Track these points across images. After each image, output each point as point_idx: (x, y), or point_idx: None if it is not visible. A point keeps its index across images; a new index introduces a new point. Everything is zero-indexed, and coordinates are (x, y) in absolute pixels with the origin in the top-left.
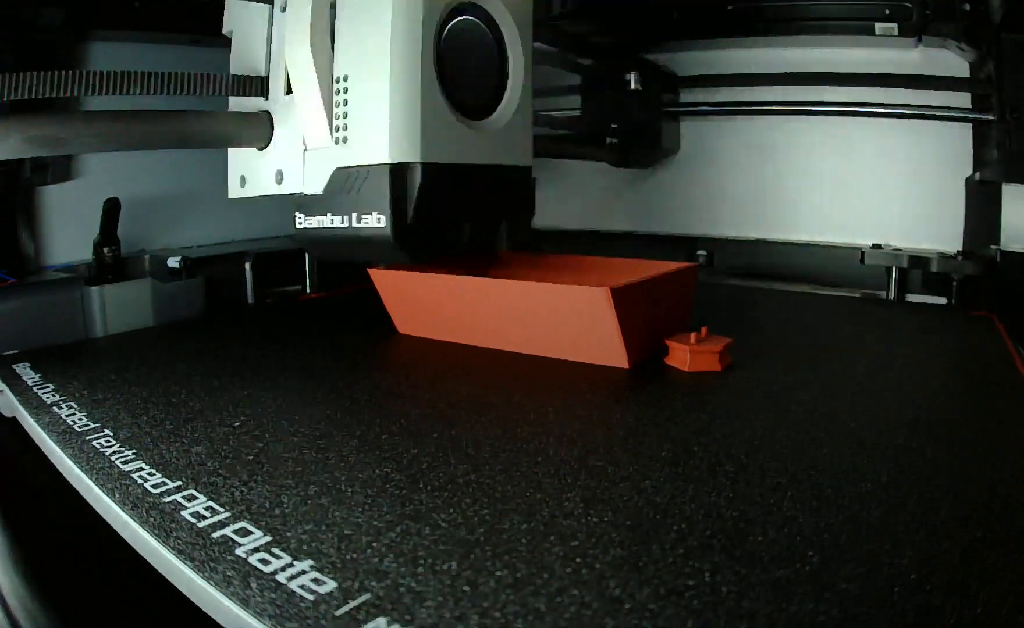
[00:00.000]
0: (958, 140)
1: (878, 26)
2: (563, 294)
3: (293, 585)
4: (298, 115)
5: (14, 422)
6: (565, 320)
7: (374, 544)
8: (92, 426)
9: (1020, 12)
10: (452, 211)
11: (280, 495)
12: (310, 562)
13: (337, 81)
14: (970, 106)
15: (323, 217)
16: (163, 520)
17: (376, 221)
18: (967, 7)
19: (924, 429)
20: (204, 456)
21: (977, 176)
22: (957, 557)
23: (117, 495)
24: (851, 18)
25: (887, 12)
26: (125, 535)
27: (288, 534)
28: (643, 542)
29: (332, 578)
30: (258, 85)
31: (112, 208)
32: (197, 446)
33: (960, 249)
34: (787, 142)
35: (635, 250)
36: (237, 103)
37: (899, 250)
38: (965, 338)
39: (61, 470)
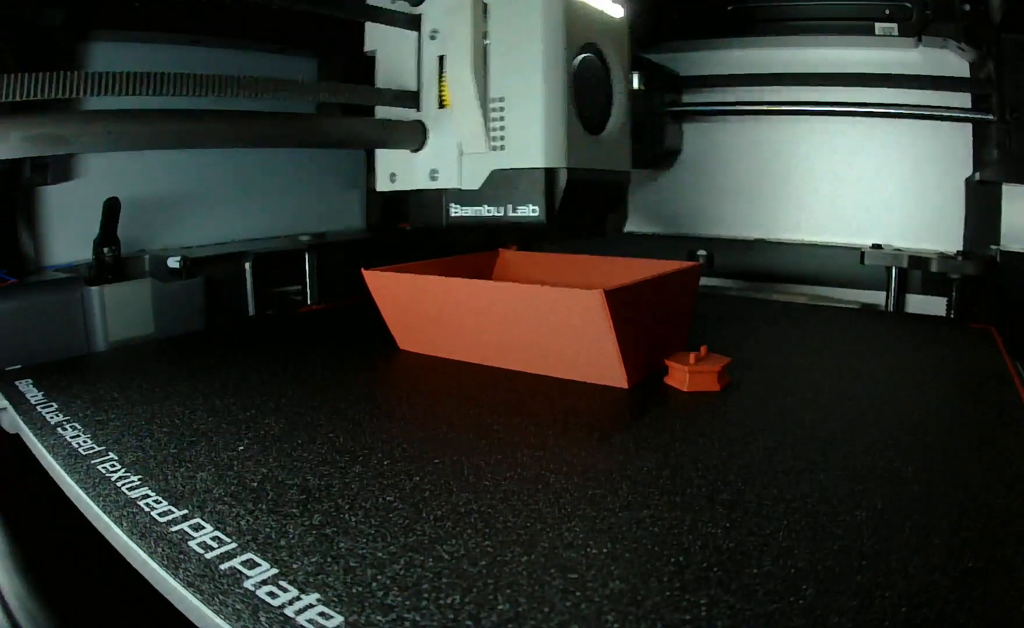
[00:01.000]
0: (958, 140)
1: (878, 26)
2: (557, 297)
3: (301, 619)
4: (456, 126)
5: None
6: (560, 327)
7: (379, 577)
8: (97, 449)
9: (1020, 12)
10: (581, 204)
11: (286, 524)
12: (317, 595)
13: (493, 101)
14: (970, 106)
15: (479, 208)
16: (171, 551)
17: (531, 210)
18: (967, 7)
19: (919, 453)
20: (209, 482)
21: (977, 176)
22: (948, 588)
23: (125, 524)
24: (851, 18)
25: (887, 12)
26: (135, 564)
27: (295, 566)
28: (641, 575)
29: (339, 612)
30: (412, 99)
31: (112, 208)
32: (202, 472)
33: (960, 249)
34: (787, 142)
35: (636, 250)
36: (384, 112)
37: (899, 250)
38: (963, 354)
39: (68, 495)
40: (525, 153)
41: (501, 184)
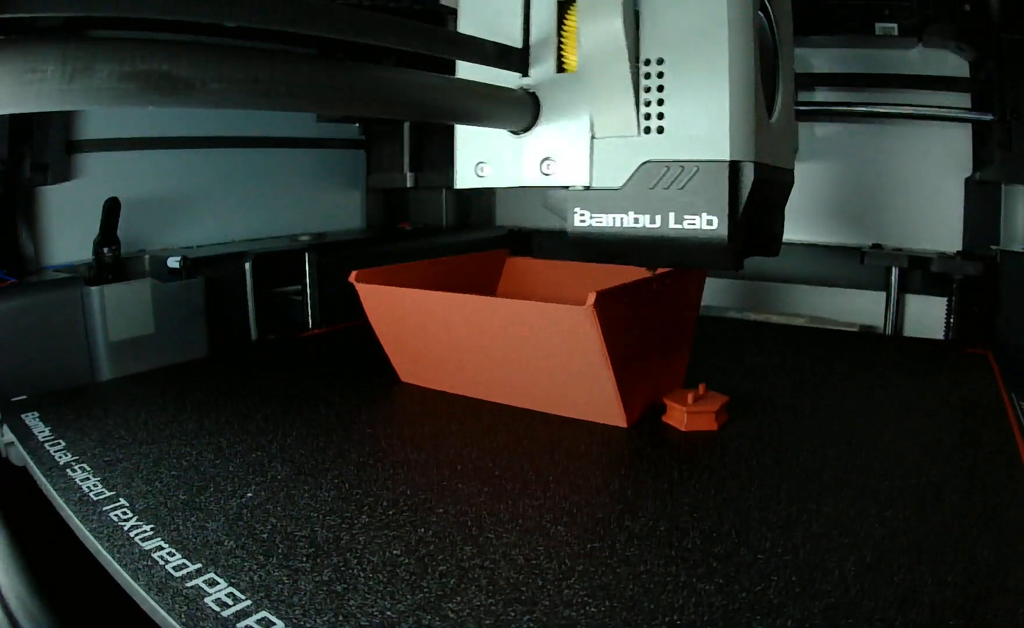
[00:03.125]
0: (958, 140)
1: (878, 26)
2: (545, 312)
3: None
4: (586, 97)
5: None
6: (552, 348)
7: None
8: (107, 494)
9: (1020, 12)
10: (758, 214)
11: (297, 579)
12: None
13: (647, 63)
14: (970, 106)
15: (622, 215)
16: (189, 608)
17: (706, 223)
18: (967, 7)
19: (911, 500)
20: (220, 533)
21: (977, 176)
22: None
23: (142, 578)
24: (851, 18)
25: (887, 12)
26: (155, 619)
27: (309, 625)
28: None
29: None
30: (519, 58)
31: (112, 208)
32: (212, 522)
33: (960, 249)
34: None
35: None
36: (470, 75)
37: (899, 250)
38: (960, 385)
39: (84, 542)
40: (697, 139)
41: (657, 182)
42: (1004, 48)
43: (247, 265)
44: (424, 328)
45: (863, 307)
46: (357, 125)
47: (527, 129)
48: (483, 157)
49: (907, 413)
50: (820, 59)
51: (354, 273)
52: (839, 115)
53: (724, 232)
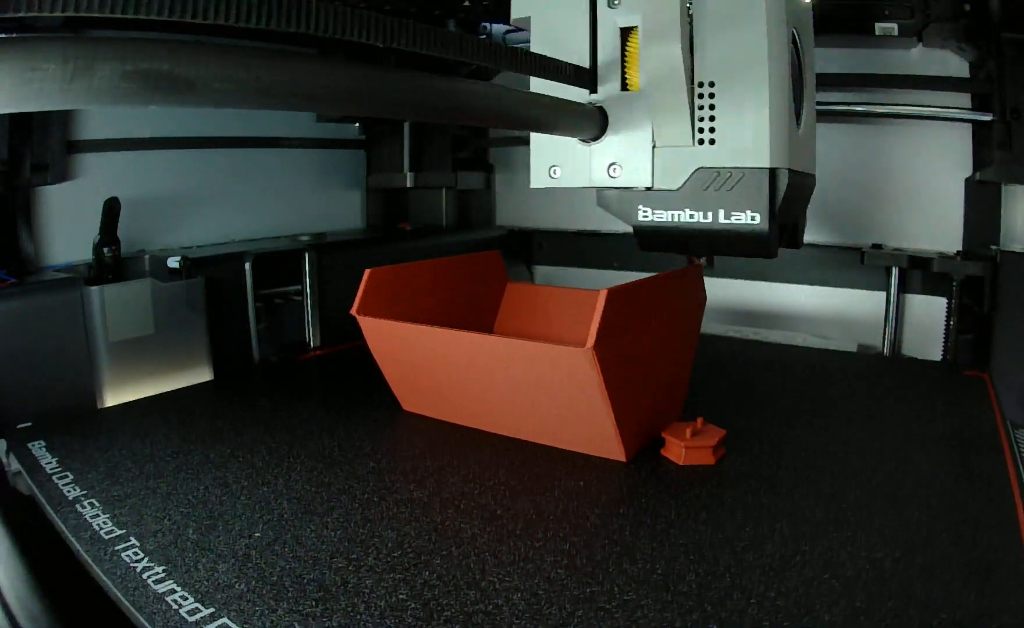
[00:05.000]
0: (958, 140)
1: (878, 26)
2: (544, 353)
3: None
4: (649, 113)
5: None
6: (552, 387)
7: None
8: (118, 532)
9: (1020, 12)
10: (788, 212)
11: (308, 625)
12: None
13: (700, 85)
14: (970, 106)
15: (679, 211)
16: None
17: (749, 218)
18: (967, 7)
19: (902, 542)
20: (231, 576)
21: (977, 176)
22: None
23: (158, 623)
24: (851, 18)
25: (887, 12)
26: None
27: None
28: None
29: None
30: (589, 78)
31: (112, 208)
32: (222, 563)
33: (960, 249)
34: None
35: (635, 251)
36: (540, 90)
37: (899, 250)
38: (957, 414)
39: (98, 581)
40: (744, 149)
41: (709, 185)
42: (1004, 48)
43: (247, 265)
44: (425, 362)
45: (863, 307)
46: (357, 125)
47: (596, 138)
48: (555, 161)
49: (902, 445)
50: (820, 59)
51: (355, 306)
52: (839, 115)
53: (765, 226)
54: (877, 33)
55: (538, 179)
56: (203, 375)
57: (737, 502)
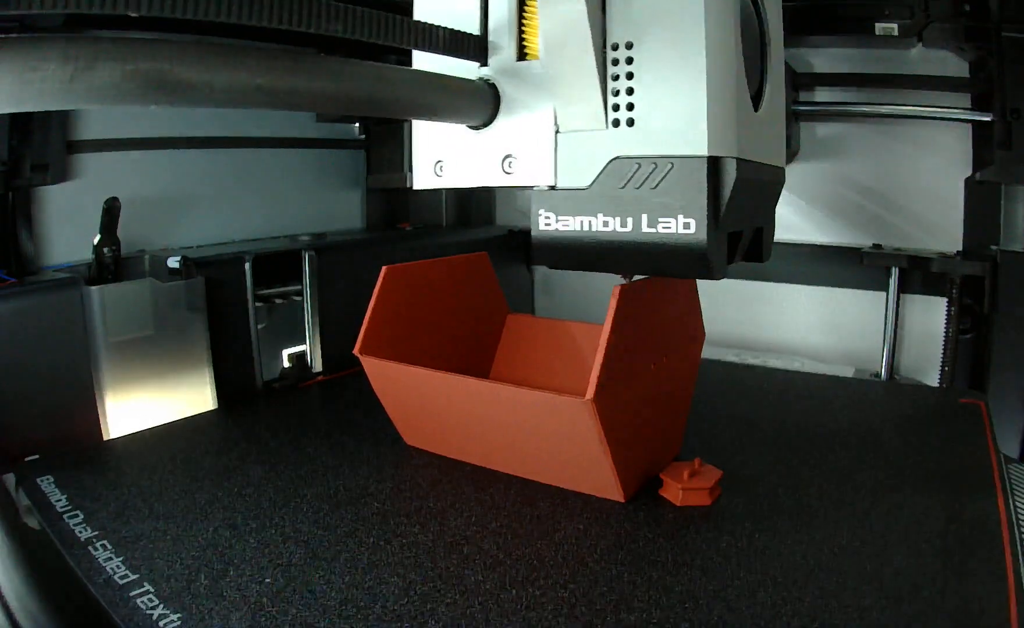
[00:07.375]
0: (958, 140)
1: (878, 26)
2: (545, 402)
3: None
4: (550, 87)
5: None
6: (551, 433)
7: None
8: (132, 577)
9: (1020, 11)
10: (743, 215)
11: None
12: None
13: (615, 48)
14: (970, 106)
15: (589, 217)
16: None
17: (682, 226)
18: (967, 7)
19: (889, 592)
20: (244, 626)
21: (977, 176)
22: None
23: None
24: (851, 18)
25: (887, 12)
26: None
27: None
28: None
29: None
30: (476, 47)
31: (112, 208)
32: (236, 611)
33: (960, 249)
34: None
35: None
36: (428, 67)
37: (899, 250)
38: (951, 450)
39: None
40: (672, 133)
41: (627, 181)
42: (1004, 48)
43: (247, 265)
44: (427, 402)
45: (863, 308)
46: (357, 125)
47: (486, 124)
48: (442, 155)
49: (896, 483)
50: (820, 59)
51: (358, 345)
52: (839, 115)
53: (703, 236)
54: (877, 33)
55: (421, 178)
56: (203, 375)
57: (731, 548)
